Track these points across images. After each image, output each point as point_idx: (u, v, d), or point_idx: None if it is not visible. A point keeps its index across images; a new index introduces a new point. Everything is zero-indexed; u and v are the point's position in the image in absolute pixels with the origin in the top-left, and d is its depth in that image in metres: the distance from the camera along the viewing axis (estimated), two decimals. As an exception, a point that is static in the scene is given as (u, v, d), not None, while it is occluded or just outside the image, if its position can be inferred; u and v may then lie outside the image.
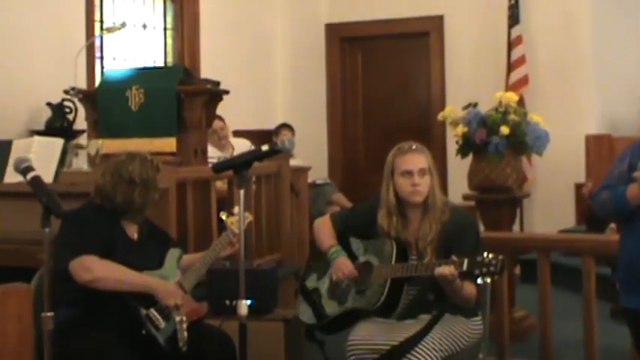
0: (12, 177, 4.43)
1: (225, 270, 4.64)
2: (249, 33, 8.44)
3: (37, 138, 5.21)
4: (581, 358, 4.27)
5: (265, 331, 4.36)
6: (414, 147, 3.64)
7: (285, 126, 7.51)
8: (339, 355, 3.64)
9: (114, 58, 7.39)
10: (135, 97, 5.24)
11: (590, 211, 3.96)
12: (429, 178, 3.60)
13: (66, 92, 5.99)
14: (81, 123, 6.09)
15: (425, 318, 3.55)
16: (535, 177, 7.47)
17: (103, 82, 5.69)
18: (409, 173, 3.58)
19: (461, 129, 5.20)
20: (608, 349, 4.47)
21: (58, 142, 4.97)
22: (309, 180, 6.52)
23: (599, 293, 4.23)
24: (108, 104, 5.35)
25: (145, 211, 3.74)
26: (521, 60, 7.75)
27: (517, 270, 6.17)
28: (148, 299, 3.53)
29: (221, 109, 5.60)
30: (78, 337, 3.40)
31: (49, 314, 2.98)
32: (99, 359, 3.36)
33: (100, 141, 5.33)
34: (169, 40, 7.97)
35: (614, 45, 7.92)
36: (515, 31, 7.79)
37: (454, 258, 3.36)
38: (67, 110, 6.37)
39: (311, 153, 7.99)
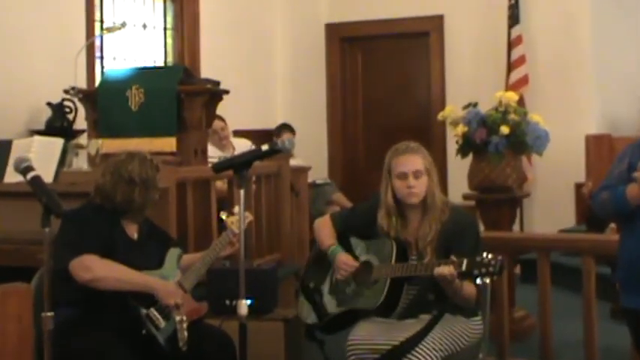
0: (12, 177, 4.43)
1: (225, 270, 4.64)
2: (249, 33, 8.44)
3: (37, 138, 5.21)
4: (581, 358, 4.27)
5: (265, 331, 4.36)
6: (410, 148, 3.62)
7: (285, 126, 7.52)
8: (339, 354, 3.64)
9: (114, 58, 7.39)
10: (135, 97, 5.24)
11: (590, 211, 3.97)
12: (425, 179, 3.59)
13: (66, 92, 5.99)
14: (81, 123, 6.09)
15: (425, 318, 3.55)
16: (535, 177, 7.47)
17: (103, 82, 5.69)
18: (404, 175, 3.57)
19: (461, 129, 5.20)
20: (608, 349, 4.47)
21: (58, 142, 4.97)
22: (309, 180, 6.52)
23: (599, 293, 4.23)
24: (108, 104, 5.35)
25: (145, 211, 3.74)
26: (521, 60, 7.75)
27: (517, 270, 6.18)
28: (148, 299, 3.53)
29: (221, 109, 5.60)
30: (78, 336, 3.40)
31: (49, 314, 2.98)
32: (99, 359, 3.36)
33: (100, 141, 5.33)
34: (169, 40, 7.97)
35: (614, 45, 7.92)
36: (515, 31, 7.79)
37: (453, 258, 3.36)
38: (67, 110, 6.37)
39: (311, 153, 8.00)
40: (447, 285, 3.39)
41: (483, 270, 3.29)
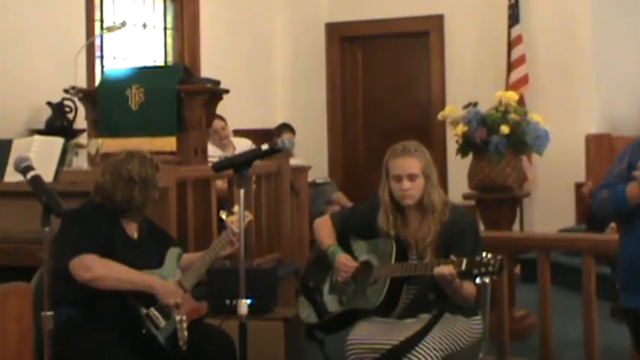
0: (12, 176, 4.43)
1: (225, 269, 4.64)
2: (249, 33, 8.44)
3: (37, 137, 5.21)
4: (581, 358, 4.27)
5: (265, 330, 4.36)
6: (407, 150, 3.59)
7: (285, 126, 7.52)
8: (339, 354, 3.64)
9: (114, 58, 7.39)
10: (135, 97, 5.24)
11: (590, 210, 3.96)
12: (421, 181, 3.57)
13: (66, 91, 6.00)
14: (81, 122, 6.09)
15: (425, 317, 3.54)
16: (535, 176, 7.46)
17: (103, 82, 5.69)
18: (399, 177, 3.57)
19: (461, 128, 5.20)
20: (608, 348, 4.47)
21: (58, 142, 4.96)
22: (309, 179, 6.53)
23: (599, 293, 4.23)
24: (108, 103, 5.35)
25: (145, 210, 3.74)
26: (521, 59, 7.75)
27: (517, 269, 6.18)
28: (148, 298, 3.53)
29: (221, 109, 5.60)
30: (78, 336, 3.40)
31: (49, 314, 2.98)
32: (99, 359, 3.36)
33: (100, 140, 5.33)
34: (169, 40, 7.97)
35: (614, 45, 7.92)
36: (515, 31, 7.79)
37: (453, 258, 3.35)
38: (67, 109, 6.37)
39: (311, 152, 8.00)
40: (447, 285, 3.39)
41: (483, 270, 3.29)
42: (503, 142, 5.12)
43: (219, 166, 3.46)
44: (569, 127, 7.35)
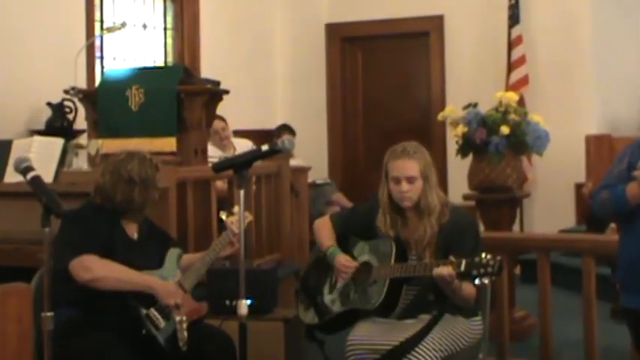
0: (12, 177, 4.43)
1: (225, 270, 4.64)
2: (249, 33, 8.44)
3: (37, 138, 5.21)
4: (581, 358, 4.27)
5: (265, 331, 4.36)
6: (406, 152, 3.58)
7: (285, 127, 7.51)
8: (339, 355, 3.64)
9: (114, 58, 7.39)
10: (135, 97, 5.24)
11: (591, 211, 3.96)
12: (420, 183, 3.56)
13: (66, 92, 6.00)
14: (81, 123, 6.09)
15: (425, 318, 3.54)
16: (535, 177, 7.47)
17: (103, 82, 5.69)
18: (397, 179, 3.56)
19: (461, 129, 5.20)
20: (608, 349, 4.47)
21: (58, 142, 4.96)
22: (309, 180, 6.52)
23: (599, 293, 4.23)
24: (108, 104, 5.35)
25: (145, 210, 3.74)
26: (522, 60, 7.76)
27: (517, 270, 6.18)
28: (148, 299, 3.53)
29: (221, 109, 5.60)
30: (78, 337, 3.40)
31: (49, 314, 2.98)
32: (99, 359, 3.36)
33: (100, 141, 5.33)
34: (169, 40, 7.97)
35: (614, 45, 7.92)
36: (516, 31, 7.79)
37: (452, 259, 3.35)
38: (67, 110, 6.37)
39: (311, 153, 8.00)
40: (446, 285, 3.39)
41: (482, 271, 3.28)
42: (503, 143, 5.12)
43: (219, 167, 3.46)
44: (569, 127, 7.36)
